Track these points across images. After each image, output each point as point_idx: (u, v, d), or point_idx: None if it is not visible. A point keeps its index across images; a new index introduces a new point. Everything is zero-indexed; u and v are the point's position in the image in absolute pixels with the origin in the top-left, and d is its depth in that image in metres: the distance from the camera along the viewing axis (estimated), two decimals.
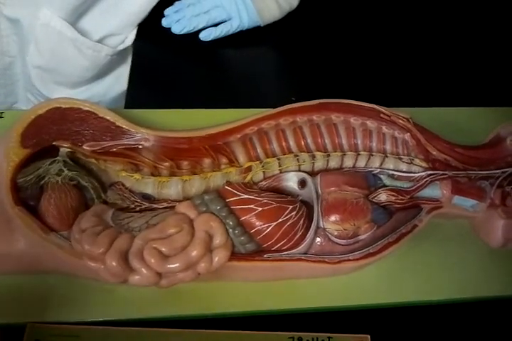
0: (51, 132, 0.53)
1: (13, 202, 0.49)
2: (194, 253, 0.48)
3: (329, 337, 0.51)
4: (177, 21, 0.75)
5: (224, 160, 0.58)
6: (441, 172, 0.59)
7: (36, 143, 0.53)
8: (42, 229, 0.49)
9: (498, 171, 0.59)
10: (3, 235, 0.50)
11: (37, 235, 0.48)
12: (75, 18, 0.72)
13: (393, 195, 0.57)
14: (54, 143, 0.53)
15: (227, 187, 0.53)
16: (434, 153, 0.59)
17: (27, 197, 0.51)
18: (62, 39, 0.71)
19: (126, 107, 0.67)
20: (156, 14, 0.75)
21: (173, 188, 0.54)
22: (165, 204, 0.53)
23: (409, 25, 0.84)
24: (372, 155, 0.59)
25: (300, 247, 0.52)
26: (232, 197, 0.52)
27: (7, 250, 0.50)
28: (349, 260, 0.53)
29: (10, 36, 0.76)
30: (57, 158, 0.53)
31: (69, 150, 0.54)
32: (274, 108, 0.59)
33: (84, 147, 0.54)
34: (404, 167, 0.59)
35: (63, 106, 0.54)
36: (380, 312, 0.54)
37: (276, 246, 0.52)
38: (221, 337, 0.50)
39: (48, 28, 0.70)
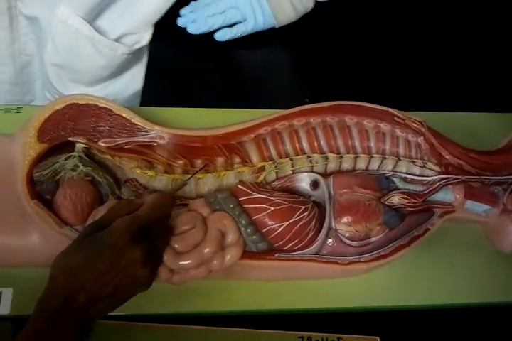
0: (67, 127, 0.54)
1: (29, 195, 0.50)
2: (206, 250, 0.48)
3: (339, 338, 0.51)
4: (192, 21, 0.76)
5: (237, 159, 0.58)
6: (454, 176, 0.58)
7: (53, 138, 0.53)
8: (56, 223, 0.50)
9: (511, 177, 0.59)
10: (18, 228, 0.51)
11: (51, 229, 0.49)
12: (92, 17, 0.72)
13: (406, 198, 0.57)
14: (70, 139, 0.54)
15: (240, 186, 0.53)
16: (448, 157, 0.59)
17: (42, 191, 0.52)
18: (80, 37, 0.72)
19: (141, 106, 0.68)
20: (172, 14, 0.76)
21: (186, 186, 0.54)
22: (178, 202, 0.53)
23: (425, 29, 0.84)
24: (385, 158, 0.59)
25: (311, 247, 0.52)
26: (245, 196, 0.52)
27: (22, 243, 0.50)
28: (360, 262, 0.53)
29: (28, 34, 0.77)
30: (73, 153, 0.53)
31: (85, 146, 0.54)
32: (287, 109, 0.60)
33: (100, 143, 0.54)
34: (417, 170, 0.59)
35: (80, 102, 0.55)
36: (389, 315, 0.54)
37: (288, 246, 0.52)
38: (231, 335, 0.50)
39: (65, 25, 0.71)
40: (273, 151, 0.59)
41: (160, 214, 0.47)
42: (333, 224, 0.54)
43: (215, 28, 0.76)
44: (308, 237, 0.52)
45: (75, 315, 0.40)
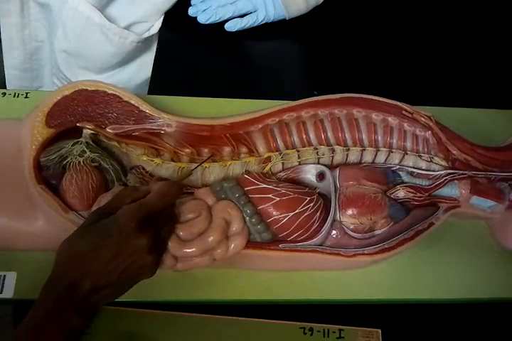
0: (76, 113, 0.54)
1: (36, 180, 0.50)
2: (211, 238, 0.48)
3: (340, 330, 0.51)
4: (203, 11, 0.75)
5: (244, 149, 0.58)
6: (460, 171, 0.58)
7: (60, 124, 0.53)
8: (62, 208, 0.50)
9: None
10: (24, 213, 0.51)
11: (57, 214, 0.49)
12: (103, 4, 0.72)
13: (411, 192, 0.57)
14: (78, 124, 0.54)
15: (246, 176, 0.53)
16: (455, 152, 0.59)
17: (49, 176, 0.52)
18: (90, 24, 0.72)
19: (149, 94, 0.68)
20: (182, 3, 0.76)
21: (192, 175, 0.54)
22: (184, 190, 0.53)
23: (436, 23, 0.83)
24: (392, 151, 0.59)
25: (316, 239, 0.52)
26: (251, 186, 0.52)
27: (28, 227, 0.51)
28: (364, 254, 0.53)
29: (39, 21, 0.77)
30: (81, 139, 0.53)
31: (92, 132, 0.54)
32: (295, 100, 0.59)
33: (108, 129, 0.55)
34: (423, 165, 0.59)
35: (89, 88, 0.55)
36: (391, 308, 0.54)
37: (292, 237, 0.52)
38: (233, 324, 0.50)
39: (76, 12, 0.71)
40: (280, 142, 0.59)
41: (166, 202, 0.46)
42: (338, 215, 0.54)
43: (225, 18, 0.75)
44: (313, 228, 0.52)
45: (79, 300, 0.40)
